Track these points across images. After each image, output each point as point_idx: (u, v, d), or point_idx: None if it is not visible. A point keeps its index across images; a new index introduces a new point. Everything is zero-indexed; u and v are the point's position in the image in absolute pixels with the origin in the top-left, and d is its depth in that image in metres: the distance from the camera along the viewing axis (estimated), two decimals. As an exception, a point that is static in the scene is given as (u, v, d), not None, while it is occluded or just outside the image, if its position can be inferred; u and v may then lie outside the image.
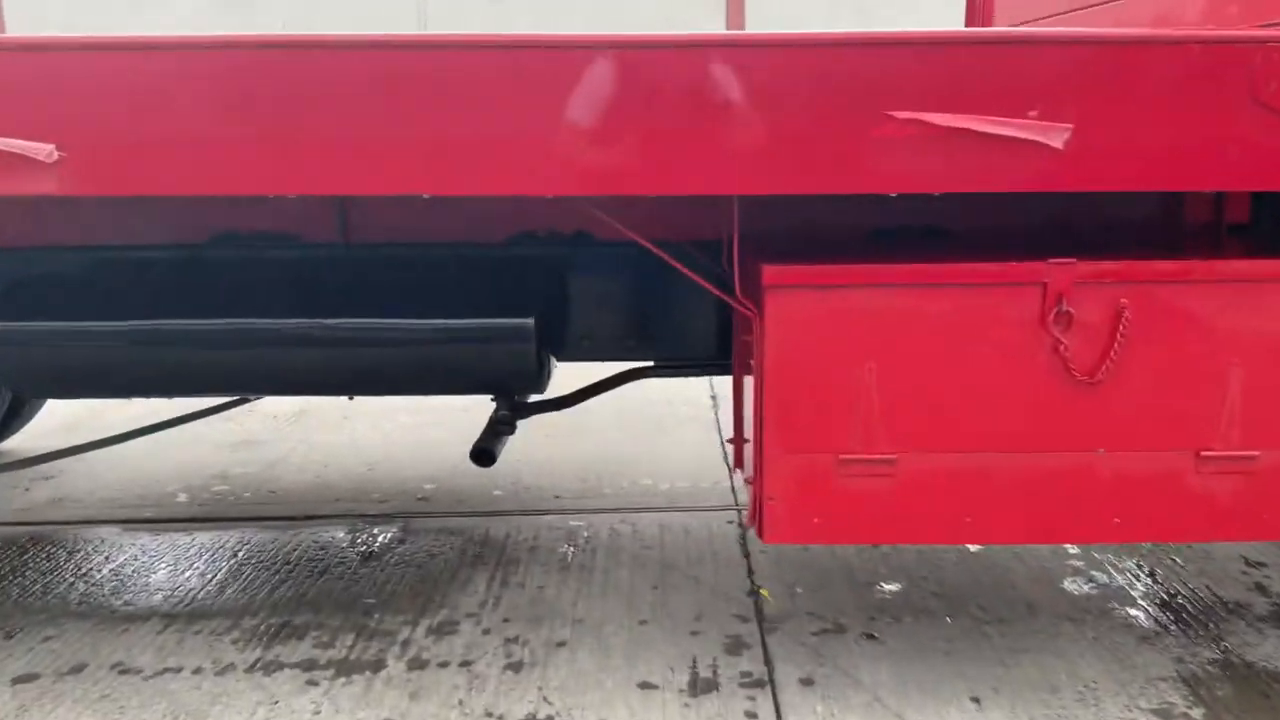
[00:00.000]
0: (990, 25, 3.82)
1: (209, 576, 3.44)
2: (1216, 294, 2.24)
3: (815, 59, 2.03)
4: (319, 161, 2.09)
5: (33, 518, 4.05)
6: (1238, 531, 2.40)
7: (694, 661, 2.83)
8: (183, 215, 2.99)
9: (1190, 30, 2.86)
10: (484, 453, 2.97)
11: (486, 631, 3.03)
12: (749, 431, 2.52)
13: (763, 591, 3.27)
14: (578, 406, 3.39)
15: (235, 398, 3.99)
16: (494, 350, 2.84)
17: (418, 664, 2.84)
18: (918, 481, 2.26)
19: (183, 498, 4.29)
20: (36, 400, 4.79)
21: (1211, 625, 3.04)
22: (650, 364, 3.37)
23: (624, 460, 4.71)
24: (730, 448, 3.12)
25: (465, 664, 2.83)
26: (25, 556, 3.64)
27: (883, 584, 3.34)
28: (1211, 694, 2.67)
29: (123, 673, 2.81)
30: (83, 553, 3.68)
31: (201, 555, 3.64)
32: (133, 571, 3.50)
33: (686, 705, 2.62)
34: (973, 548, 3.61)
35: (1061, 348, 2.24)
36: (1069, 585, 3.33)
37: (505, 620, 3.09)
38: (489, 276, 2.96)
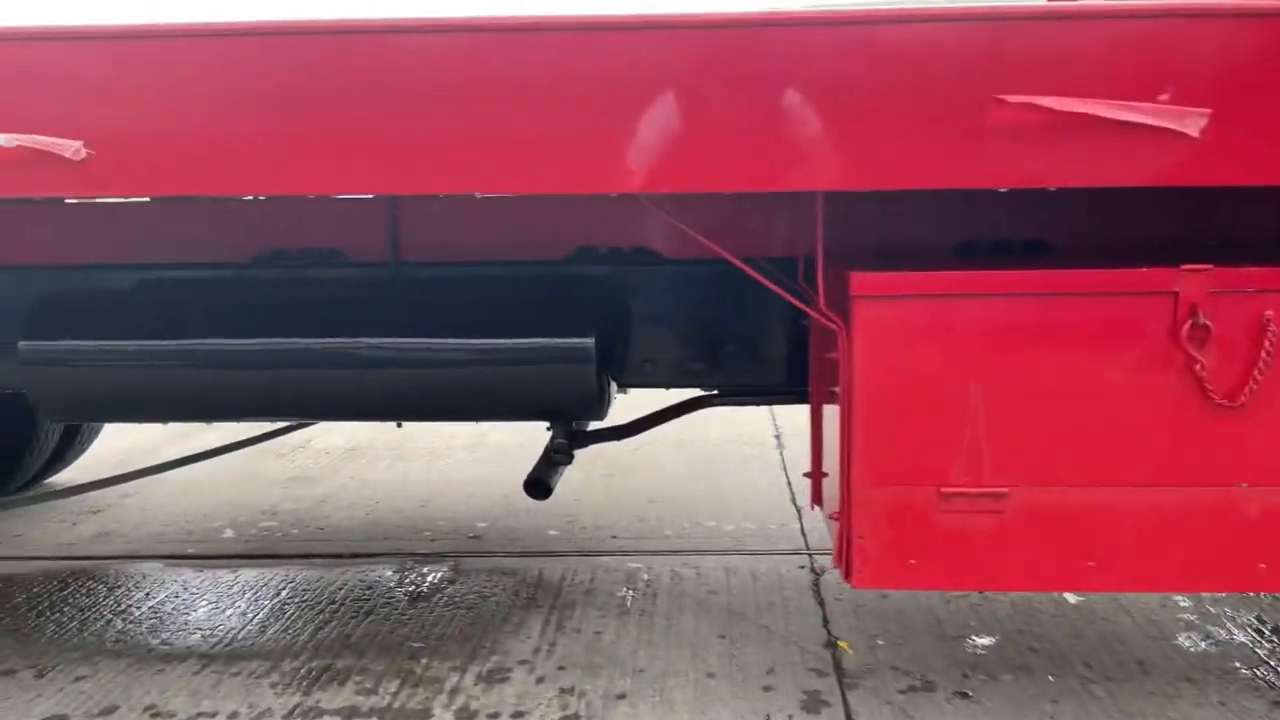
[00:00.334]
0: None
1: (250, 615, 3.26)
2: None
3: (911, 36, 1.81)
4: (368, 158, 1.92)
5: (76, 552, 3.93)
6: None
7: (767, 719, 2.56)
8: (228, 232, 2.87)
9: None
10: (539, 484, 2.76)
11: (540, 680, 2.79)
12: (831, 463, 2.27)
13: (841, 643, 2.99)
14: (634, 441, 3.17)
15: (282, 426, 3.85)
16: (552, 372, 2.64)
17: (466, 714, 2.61)
18: (1031, 519, 1.99)
19: (229, 533, 4.14)
20: (87, 436, 4.71)
21: (1356, 691, 2.68)
22: (715, 392, 3.14)
23: (684, 499, 4.47)
24: (807, 484, 2.86)
25: (517, 715, 2.60)
26: (65, 592, 3.50)
27: (974, 637, 3.03)
28: (1368, 771, 2.32)
29: (155, 716, 2.63)
30: (123, 589, 3.53)
31: (244, 593, 3.46)
32: (172, 609, 3.34)
33: (761, 769, 2.35)
34: (1071, 598, 3.29)
35: (1197, 367, 1.96)
36: (1184, 641, 2.99)
37: (560, 668, 2.86)
38: (545, 295, 2.78)
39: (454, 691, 2.74)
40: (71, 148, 1.87)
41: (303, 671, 2.86)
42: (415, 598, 3.39)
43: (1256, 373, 1.95)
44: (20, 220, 2.85)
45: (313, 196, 2.44)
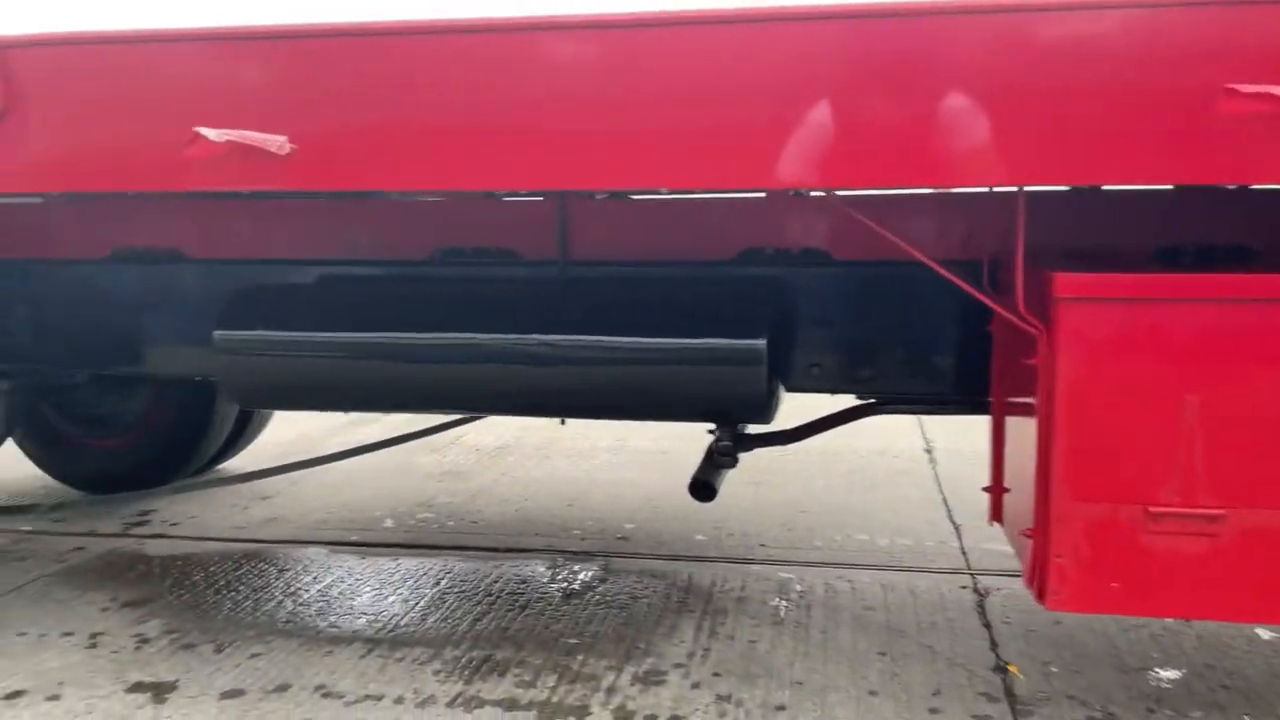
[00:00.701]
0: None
1: (412, 603, 3.35)
2: None
3: (1128, 21, 1.69)
4: (537, 154, 1.93)
5: (248, 535, 4.13)
6: None
7: (936, 742, 2.46)
8: (407, 231, 2.95)
9: None
10: (704, 486, 2.72)
11: (696, 685, 2.76)
12: (1019, 477, 2.15)
13: (1011, 668, 2.84)
14: (780, 449, 3.08)
15: (442, 422, 3.95)
16: (722, 373, 2.60)
17: (623, 714, 2.60)
18: (1251, 544, 1.83)
19: (389, 523, 4.28)
20: (256, 425, 4.94)
21: None
22: (881, 400, 3.04)
23: (833, 511, 4.37)
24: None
25: (674, 720, 2.58)
26: (239, 572, 3.68)
27: (1157, 669, 2.83)
28: None
29: (325, 696, 2.72)
30: (292, 571, 3.68)
31: (405, 581, 3.56)
32: (339, 593, 3.46)
33: (932, 794, 2.25)
34: (1264, 633, 3.05)
35: None
36: (1402, 690, 2.72)
37: (715, 674, 2.82)
38: (715, 295, 2.74)
39: (611, 690, 2.73)
40: (276, 142, 1.95)
41: (463, 660, 2.91)
42: (568, 594, 3.41)
43: None
44: (217, 216, 3.01)
45: (491, 194, 2.48)
